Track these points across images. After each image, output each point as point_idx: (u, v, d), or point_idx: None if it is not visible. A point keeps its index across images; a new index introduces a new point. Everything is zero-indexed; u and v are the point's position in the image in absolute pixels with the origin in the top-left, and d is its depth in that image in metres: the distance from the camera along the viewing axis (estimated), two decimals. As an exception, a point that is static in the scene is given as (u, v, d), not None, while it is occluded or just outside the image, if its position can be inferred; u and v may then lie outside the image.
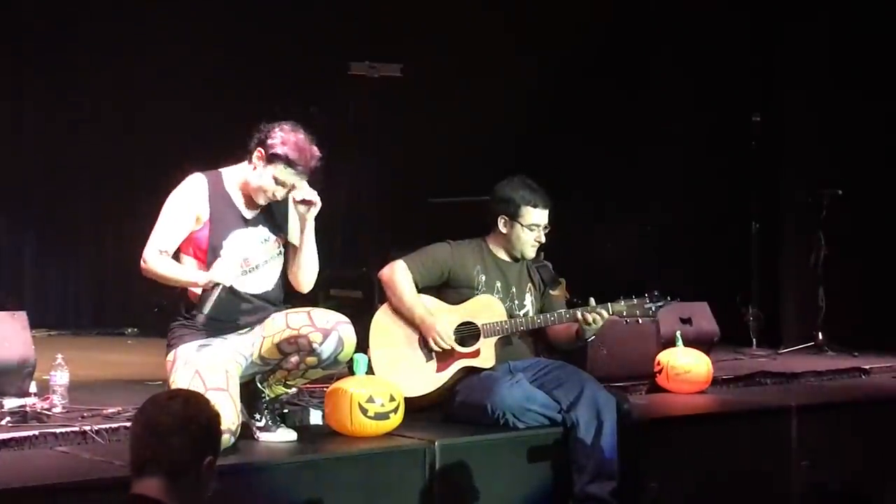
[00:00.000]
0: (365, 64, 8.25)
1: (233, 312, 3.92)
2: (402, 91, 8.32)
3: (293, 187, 3.90)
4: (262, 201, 3.93)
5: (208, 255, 3.88)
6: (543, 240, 4.63)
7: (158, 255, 3.84)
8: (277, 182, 3.88)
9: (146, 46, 8.23)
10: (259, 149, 3.89)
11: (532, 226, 4.59)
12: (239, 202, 3.96)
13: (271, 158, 3.86)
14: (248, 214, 3.96)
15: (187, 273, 3.87)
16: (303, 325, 3.90)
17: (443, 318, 4.46)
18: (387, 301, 4.55)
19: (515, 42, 8.52)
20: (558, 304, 4.69)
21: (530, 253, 4.65)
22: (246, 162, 3.94)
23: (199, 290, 3.86)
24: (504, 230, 4.63)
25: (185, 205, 3.88)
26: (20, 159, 8.31)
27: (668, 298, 4.60)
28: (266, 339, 3.94)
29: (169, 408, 2.52)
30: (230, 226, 3.92)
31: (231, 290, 3.84)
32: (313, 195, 3.92)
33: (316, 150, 3.91)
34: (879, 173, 7.67)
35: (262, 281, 4.00)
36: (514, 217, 4.60)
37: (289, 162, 3.85)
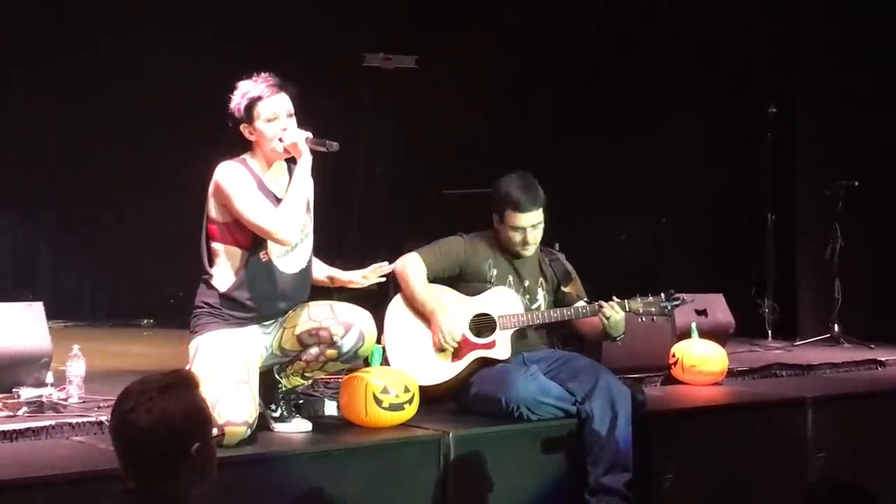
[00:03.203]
0: (379, 55, 8.24)
1: (273, 291, 3.90)
2: (418, 83, 8.31)
3: (289, 114, 3.88)
4: (280, 149, 3.88)
5: (251, 237, 3.85)
6: (533, 239, 4.54)
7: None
8: (271, 120, 3.85)
9: (160, 40, 8.24)
10: (240, 125, 3.88)
11: (517, 228, 4.52)
12: (270, 184, 3.93)
13: (248, 110, 3.85)
14: (280, 194, 3.93)
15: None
16: (325, 318, 3.91)
17: (454, 314, 4.42)
18: (401, 292, 4.54)
19: (531, 32, 8.50)
20: (571, 300, 4.63)
21: (523, 252, 4.57)
22: (251, 144, 3.93)
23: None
24: (498, 227, 4.60)
25: (252, 184, 3.85)
26: (35, 149, 8.35)
27: (683, 299, 4.59)
28: (287, 331, 3.95)
29: (132, 424, 2.44)
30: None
31: (269, 269, 3.85)
32: (297, 137, 3.86)
33: (263, 73, 3.92)
34: (896, 165, 7.65)
35: (297, 260, 3.98)
36: (501, 217, 4.55)
37: (256, 98, 3.85)
